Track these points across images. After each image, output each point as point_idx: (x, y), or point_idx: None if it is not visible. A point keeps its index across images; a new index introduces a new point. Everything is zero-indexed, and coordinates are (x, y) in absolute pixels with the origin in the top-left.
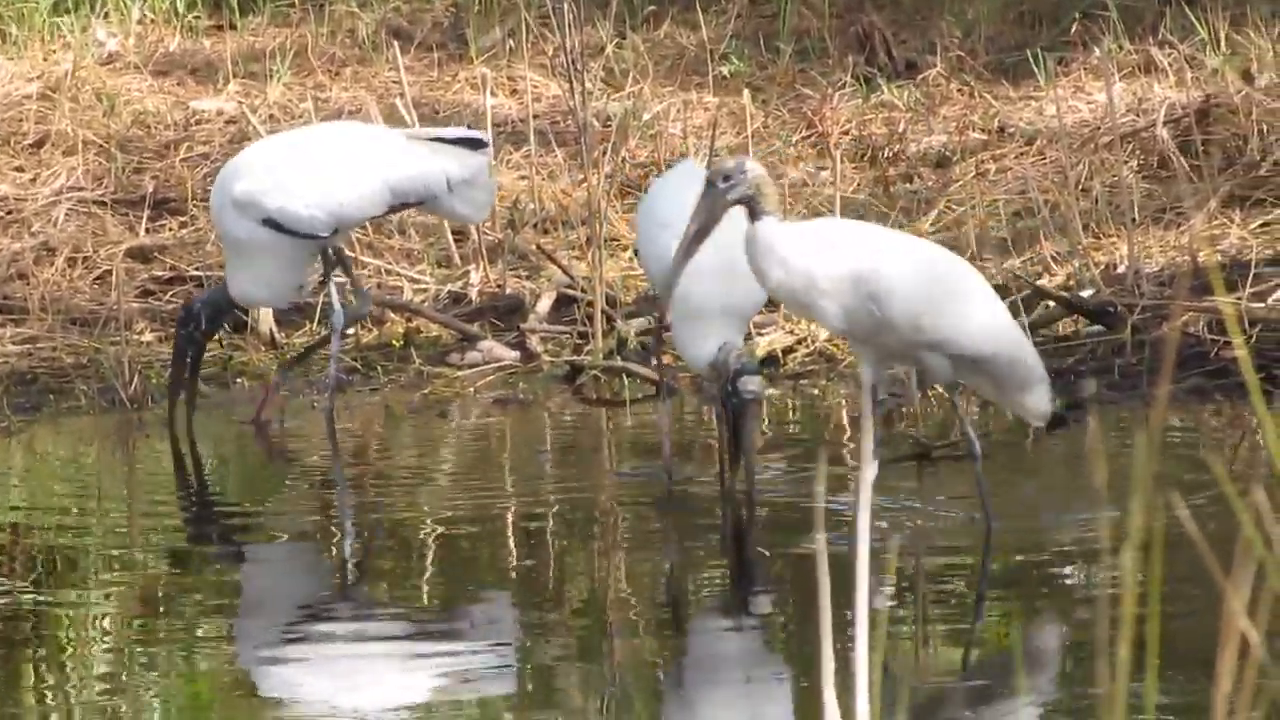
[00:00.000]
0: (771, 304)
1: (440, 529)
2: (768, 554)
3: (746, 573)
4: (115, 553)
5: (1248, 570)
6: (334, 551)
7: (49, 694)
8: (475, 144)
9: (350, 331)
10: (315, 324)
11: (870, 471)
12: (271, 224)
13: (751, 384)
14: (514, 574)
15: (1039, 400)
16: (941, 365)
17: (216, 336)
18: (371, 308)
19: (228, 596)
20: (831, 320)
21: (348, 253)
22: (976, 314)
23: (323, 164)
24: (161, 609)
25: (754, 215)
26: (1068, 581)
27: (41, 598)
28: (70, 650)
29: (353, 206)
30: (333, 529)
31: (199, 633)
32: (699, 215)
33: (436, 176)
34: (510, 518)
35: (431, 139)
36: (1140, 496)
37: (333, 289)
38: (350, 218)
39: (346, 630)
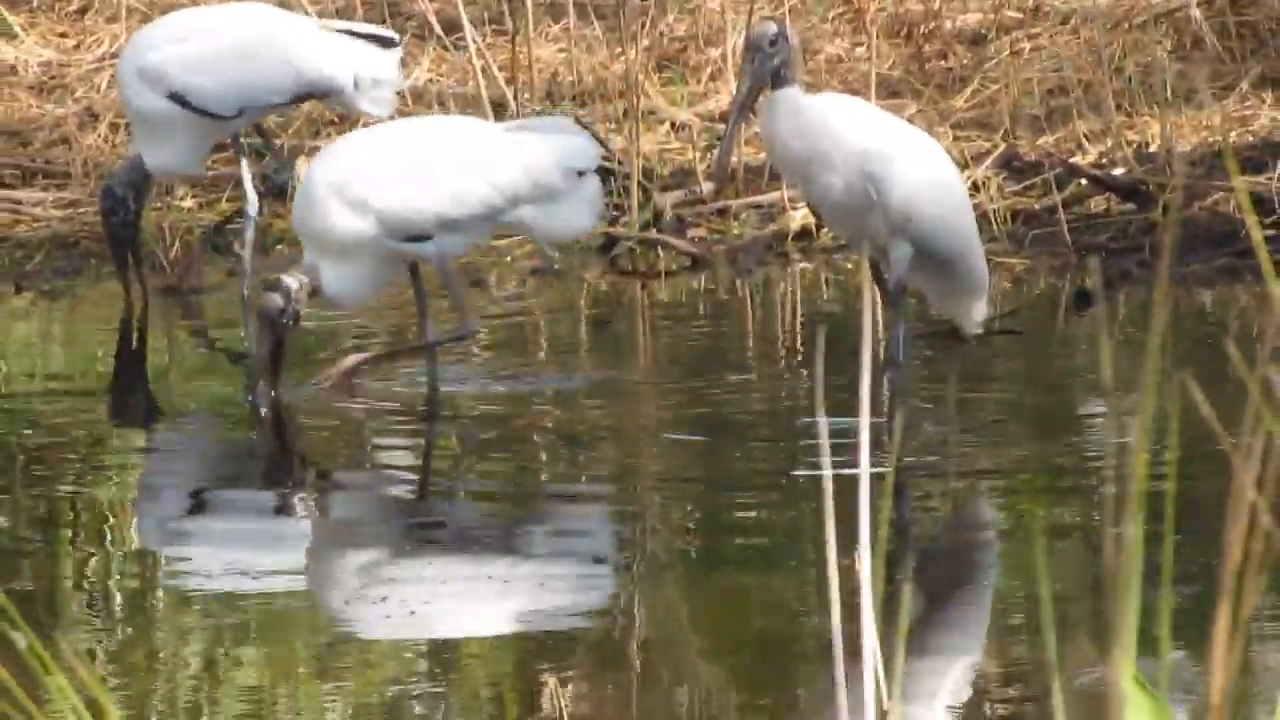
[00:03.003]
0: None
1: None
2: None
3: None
4: (85, 419)
5: (1256, 443)
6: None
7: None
8: (386, 42)
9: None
10: None
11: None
12: (178, 99)
13: (262, 298)
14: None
15: (980, 310)
16: (902, 258)
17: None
18: (289, 174)
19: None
20: (829, 194)
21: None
22: (962, 216)
23: (235, 42)
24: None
25: (780, 82)
26: (1085, 459)
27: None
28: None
29: (259, 89)
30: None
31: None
32: (744, 81)
33: (345, 72)
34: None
35: (342, 31)
36: (1152, 376)
37: (244, 176)
38: (256, 101)
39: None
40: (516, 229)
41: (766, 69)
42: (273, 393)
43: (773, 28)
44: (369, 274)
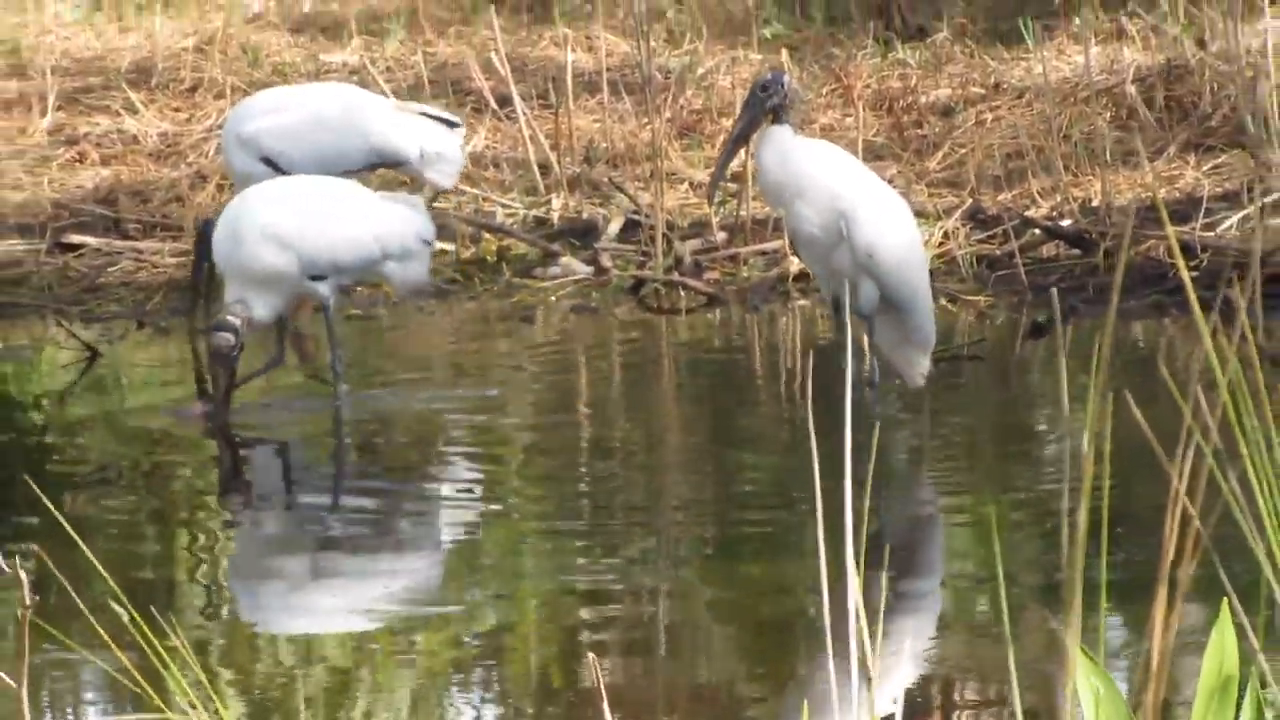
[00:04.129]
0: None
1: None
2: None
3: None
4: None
5: (1188, 454)
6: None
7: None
8: (451, 124)
9: (452, 248)
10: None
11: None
12: (268, 162)
13: (214, 338)
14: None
15: (924, 365)
16: (871, 295)
17: None
18: None
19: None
20: (804, 224)
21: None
22: (918, 263)
23: (316, 115)
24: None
25: (778, 120)
26: (1040, 463)
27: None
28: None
29: (334, 156)
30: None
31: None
32: (742, 118)
33: (410, 145)
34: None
35: (419, 113)
36: (1095, 394)
37: None
38: (332, 166)
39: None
40: (378, 279)
41: (760, 109)
42: (227, 414)
43: (769, 74)
44: (283, 300)
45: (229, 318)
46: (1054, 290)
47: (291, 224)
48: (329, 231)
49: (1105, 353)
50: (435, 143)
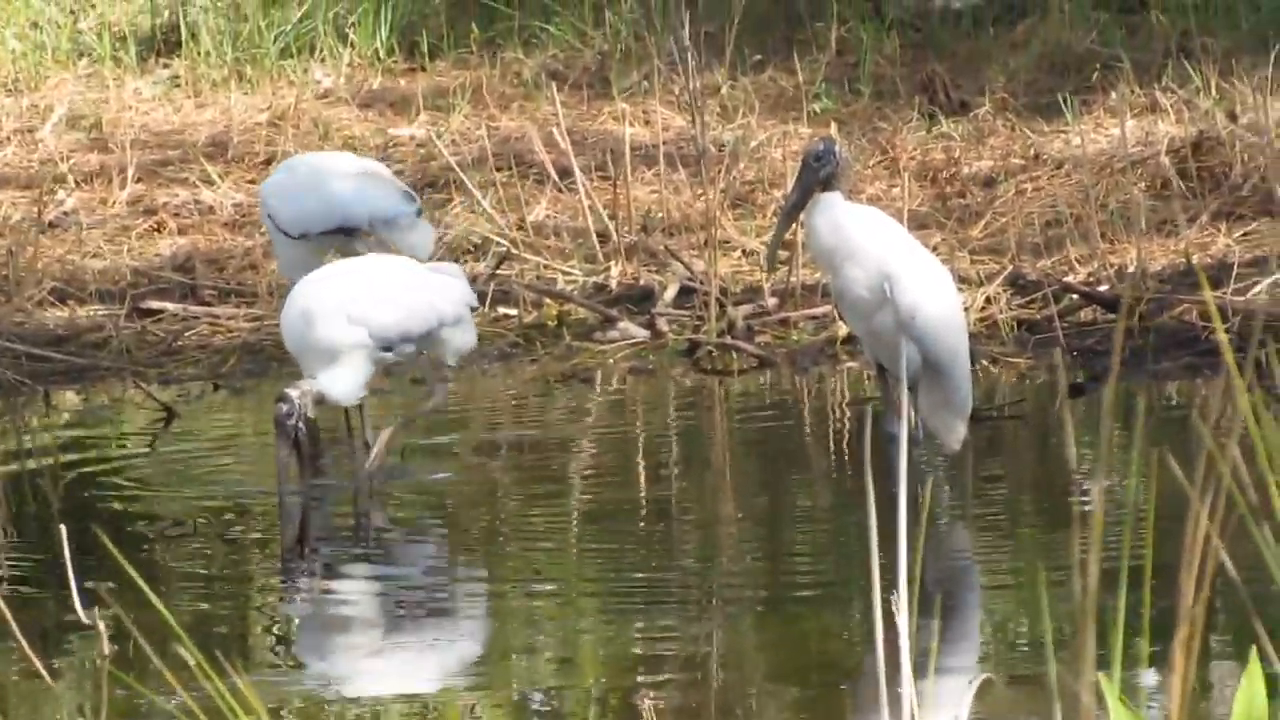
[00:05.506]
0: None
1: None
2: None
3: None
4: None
5: (1218, 498)
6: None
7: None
8: (409, 198)
9: (514, 313)
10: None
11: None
12: (270, 219)
13: (275, 407)
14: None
15: (960, 430)
16: (913, 358)
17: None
18: None
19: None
20: (852, 286)
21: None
22: (956, 326)
23: (299, 178)
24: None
25: (829, 188)
26: (1078, 517)
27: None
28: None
29: (307, 218)
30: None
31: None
32: (795, 190)
33: (360, 212)
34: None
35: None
36: (1137, 448)
37: None
38: (309, 228)
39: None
40: (434, 346)
41: (813, 178)
42: (299, 483)
43: (821, 145)
44: (357, 375)
45: (289, 390)
46: (1086, 356)
47: (361, 300)
48: (395, 303)
49: (1109, 412)
50: (386, 211)
